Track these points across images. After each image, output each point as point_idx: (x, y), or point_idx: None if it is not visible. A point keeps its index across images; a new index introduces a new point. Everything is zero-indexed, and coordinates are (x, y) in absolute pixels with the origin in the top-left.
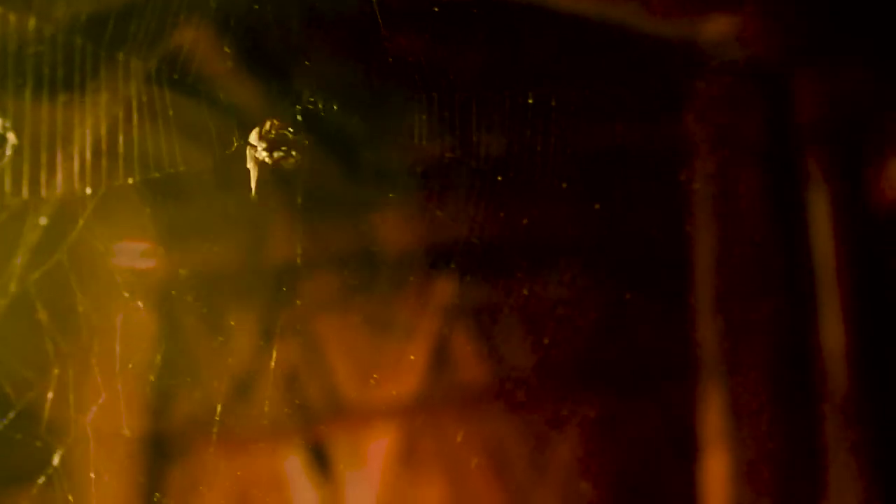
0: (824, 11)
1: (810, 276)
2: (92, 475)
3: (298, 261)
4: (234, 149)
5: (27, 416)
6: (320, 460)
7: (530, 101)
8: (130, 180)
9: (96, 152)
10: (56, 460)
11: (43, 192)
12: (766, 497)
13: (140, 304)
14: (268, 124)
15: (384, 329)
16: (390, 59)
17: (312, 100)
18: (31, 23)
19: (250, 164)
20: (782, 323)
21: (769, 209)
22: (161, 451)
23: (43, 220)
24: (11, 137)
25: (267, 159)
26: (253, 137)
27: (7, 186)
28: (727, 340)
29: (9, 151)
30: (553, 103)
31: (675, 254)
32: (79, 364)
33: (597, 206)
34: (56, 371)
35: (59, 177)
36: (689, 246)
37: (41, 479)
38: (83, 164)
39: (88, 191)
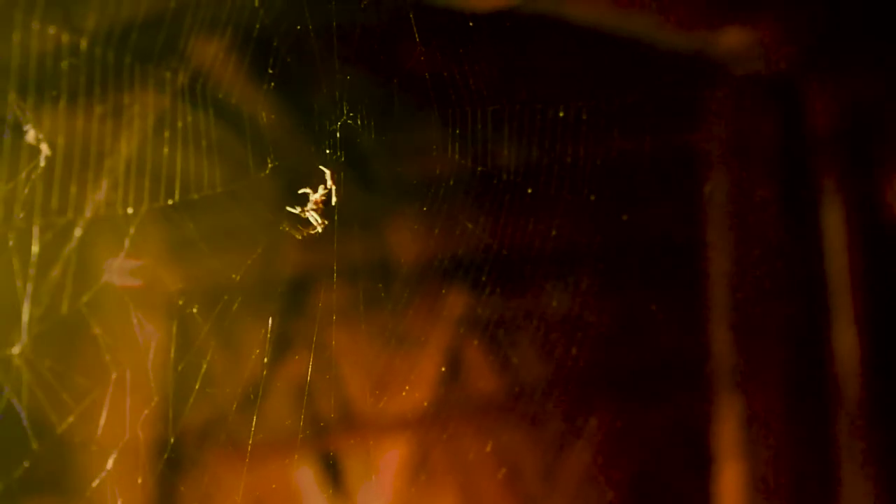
0: (837, 21)
1: (824, 282)
2: (139, 480)
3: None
4: (267, 171)
5: (84, 421)
6: (333, 472)
7: (561, 114)
8: (171, 202)
9: (135, 170)
10: (110, 464)
11: (87, 212)
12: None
13: (146, 318)
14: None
15: (399, 341)
16: (426, 75)
17: (353, 115)
18: (65, 37)
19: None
20: (796, 330)
21: (784, 215)
22: (175, 462)
23: (78, 233)
24: (45, 149)
25: (298, 235)
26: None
27: (49, 201)
28: (742, 348)
29: (42, 162)
30: (584, 116)
31: (691, 262)
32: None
33: (624, 218)
34: (113, 376)
35: (100, 194)
36: (705, 253)
37: (95, 482)
38: (122, 182)
39: (130, 210)
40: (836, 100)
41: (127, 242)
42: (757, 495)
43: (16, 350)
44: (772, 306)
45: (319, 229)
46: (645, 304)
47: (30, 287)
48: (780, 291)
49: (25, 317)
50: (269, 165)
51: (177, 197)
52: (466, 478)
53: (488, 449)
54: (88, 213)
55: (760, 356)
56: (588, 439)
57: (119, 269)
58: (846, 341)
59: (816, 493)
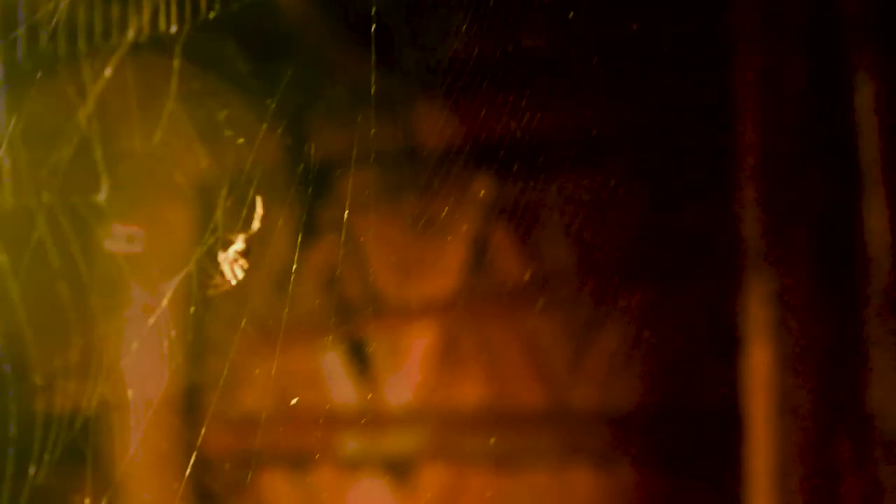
0: None
1: (856, 163)
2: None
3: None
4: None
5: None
6: (359, 358)
7: None
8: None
9: None
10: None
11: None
12: (809, 387)
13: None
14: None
15: (425, 227)
16: None
17: None
18: None
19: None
20: (827, 210)
21: (814, 98)
22: (201, 348)
23: None
24: None
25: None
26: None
27: None
28: (771, 229)
29: None
30: None
31: (718, 144)
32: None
33: (651, 102)
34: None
35: None
36: (732, 137)
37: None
38: None
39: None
40: None
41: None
42: (785, 376)
43: None
44: (802, 187)
45: (229, 285)
46: (674, 186)
47: None
48: (810, 172)
49: None
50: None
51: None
52: (493, 363)
53: (515, 334)
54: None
55: (790, 237)
56: (616, 324)
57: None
58: (878, 223)
59: (845, 373)
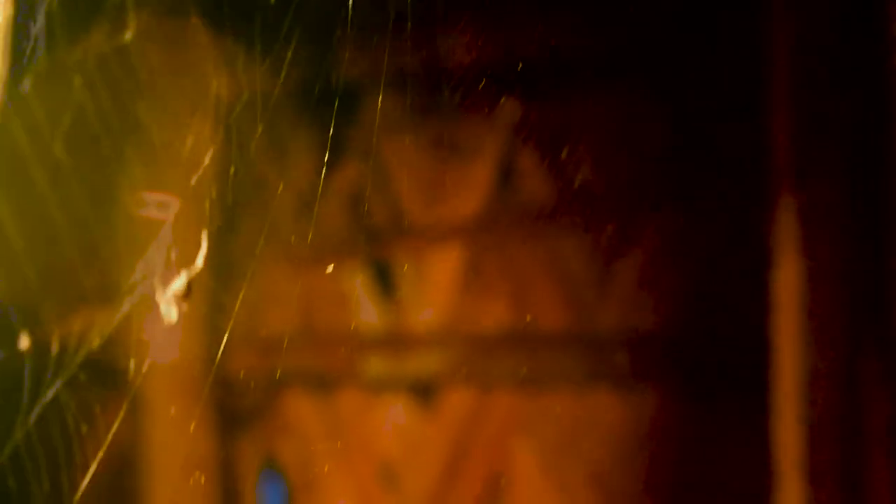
0: None
1: (887, 78)
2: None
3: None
4: None
5: None
6: (384, 279)
7: None
8: None
9: None
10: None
11: None
12: (837, 305)
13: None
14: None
15: (450, 148)
16: None
17: None
18: None
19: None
20: (858, 129)
21: (848, 15)
22: (225, 269)
23: None
24: None
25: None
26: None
27: None
28: (801, 147)
29: None
30: None
31: (748, 63)
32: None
33: (678, 23)
34: None
35: None
36: (763, 55)
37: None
38: None
39: None
40: None
41: None
42: (813, 294)
43: None
44: (832, 98)
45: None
46: (702, 106)
47: None
48: (842, 89)
49: None
50: None
51: None
52: (518, 285)
53: (541, 257)
54: None
55: (820, 153)
56: (642, 245)
57: None
58: None
59: (874, 291)
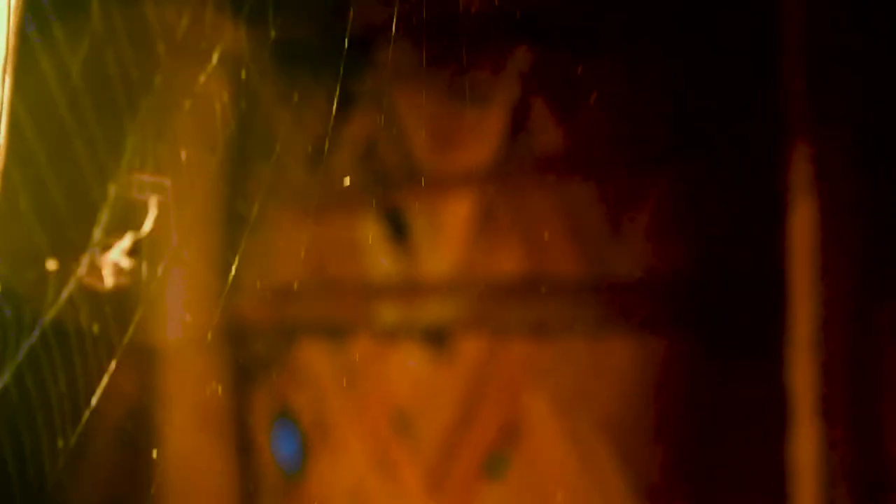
0: None
1: None
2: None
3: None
4: None
5: None
6: (397, 227)
7: None
8: None
9: None
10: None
11: None
12: (851, 253)
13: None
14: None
15: (462, 97)
16: None
17: None
18: None
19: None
20: (872, 65)
21: None
22: (237, 218)
23: None
24: None
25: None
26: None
27: None
28: (815, 89)
29: None
30: None
31: (759, 2)
32: None
33: None
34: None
35: None
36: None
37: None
38: None
39: None
40: None
41: None
42: (828, 238)
43: None
44: (847, 48)
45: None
46: (714, 52)
47: None
48: (856, 34)
49: None
50: None
51: None
52: (530, 234)
53: (554, 204)
54: None
55: (834, 97)
56: (657, 192)
57: None
58: None
59: (889, 234)
